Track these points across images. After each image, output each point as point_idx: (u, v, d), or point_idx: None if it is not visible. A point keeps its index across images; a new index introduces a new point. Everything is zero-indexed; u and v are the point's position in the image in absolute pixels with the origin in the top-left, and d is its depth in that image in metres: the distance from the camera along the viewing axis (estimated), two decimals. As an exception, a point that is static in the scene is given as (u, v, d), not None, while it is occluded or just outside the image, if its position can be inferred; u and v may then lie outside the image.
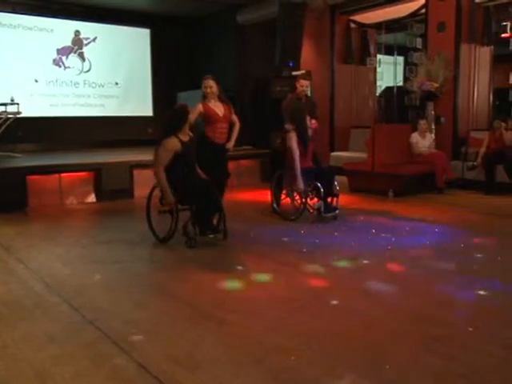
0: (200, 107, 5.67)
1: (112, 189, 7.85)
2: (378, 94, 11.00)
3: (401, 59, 11.04)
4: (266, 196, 6.64)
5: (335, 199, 6.05)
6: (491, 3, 8.83)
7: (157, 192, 5.15)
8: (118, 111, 11.86)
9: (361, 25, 10.72)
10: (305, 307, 3.38)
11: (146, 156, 8.89)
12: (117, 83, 11.91)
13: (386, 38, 11.09)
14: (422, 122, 8.35)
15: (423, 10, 9.15)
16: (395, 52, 10.87)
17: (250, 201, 7.69)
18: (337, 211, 6.00)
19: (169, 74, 12.11)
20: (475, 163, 7.93)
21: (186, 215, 4.97)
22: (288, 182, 6.16)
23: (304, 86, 6.46)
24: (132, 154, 9.24)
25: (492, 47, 9.08)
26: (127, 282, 3.95)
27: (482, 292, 3.61)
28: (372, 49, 10.87)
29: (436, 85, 8.40)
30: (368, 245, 4.91)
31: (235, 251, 4.84)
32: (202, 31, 12.19)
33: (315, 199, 6.04)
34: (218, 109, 5.69)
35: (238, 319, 3.19)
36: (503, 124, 7.85)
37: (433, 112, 8.60)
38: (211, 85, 5.70)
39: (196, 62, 12.31)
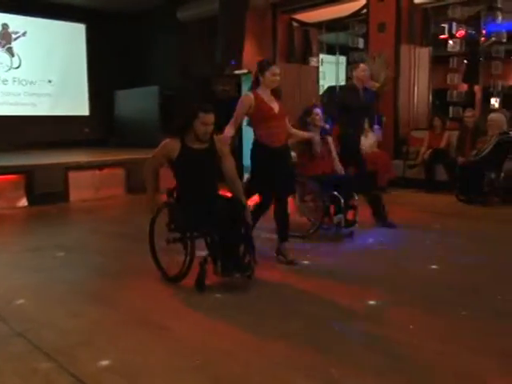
0: (251, 98, 4.29)
1: (45, 192, 7.56)
2: (320, 93, 11.16)
3: (343, 59, 11.26)
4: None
5: (353, 212, 5.28)
6: (429, 5, 9.17)
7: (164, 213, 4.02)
8: (52, 110, 11.49)
9: (303, 24, 10.86)
10: (250, 311, 3.35)
11: (83, 157, 8.70)
12: (50, 81, 11.54)
13: (329, 37, 11.31)
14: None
15: (364, 11, 9.38)
16: (337, 51, 11.09)
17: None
18: (356, 225, 5.25)
19: (106, 72, 11.83)
20: (416, 162, 8.20)
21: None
22: (300, 193, 5.26)
23: (365, 71, 5.59)
24: (67, 156, 8.98)
25: (431, 48, 9.42)
26: (60, 290, 3.80)
27: (419, 290, 3.73)
28: (314, 48, 11.04)
29: (377, 84, 8.57)
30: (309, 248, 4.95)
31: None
32: (140, 27, 11.99)
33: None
34: (273, 103, 4.35)
35: (178, 325, 3.14)
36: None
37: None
38: (279, 72, 4.35)
39: (134, 60, 12.12)
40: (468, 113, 7.99)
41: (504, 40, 8.53)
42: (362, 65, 5.77)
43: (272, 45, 10.72)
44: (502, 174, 7.05)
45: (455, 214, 6.58)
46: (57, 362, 2.64)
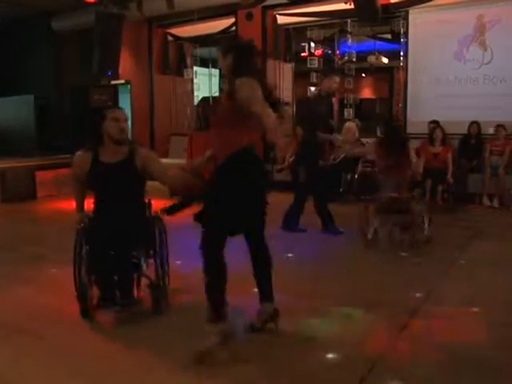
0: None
1: None
2: (195, 104, 11.21)
3: (216, 71, 11.41)
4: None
5: None
6: (291, 26, 9.61)
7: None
8: None
9: (177, 38, 10.85)
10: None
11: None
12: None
13: (202, 51, 11.41)
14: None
15: (233, 28, 9.58)
16: (210, 65, 11.22)
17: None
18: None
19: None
20: (282, 166, 8.54)
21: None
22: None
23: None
24: None
25: (293, 64, 9.89)
26: None
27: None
28: (189, 61, 11.09)
29: (247, 96, 8.83)
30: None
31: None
32: (10, 36, 11.07)
33: None
34: None
35: (56, 332, 3.00)
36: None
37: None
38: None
39: (7, 68, 11.19)
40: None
41: (354, 59, 9.22)
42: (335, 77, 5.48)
43: (148, 57, 10.62)
44: (356, 176, 7.59)
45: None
46: None
